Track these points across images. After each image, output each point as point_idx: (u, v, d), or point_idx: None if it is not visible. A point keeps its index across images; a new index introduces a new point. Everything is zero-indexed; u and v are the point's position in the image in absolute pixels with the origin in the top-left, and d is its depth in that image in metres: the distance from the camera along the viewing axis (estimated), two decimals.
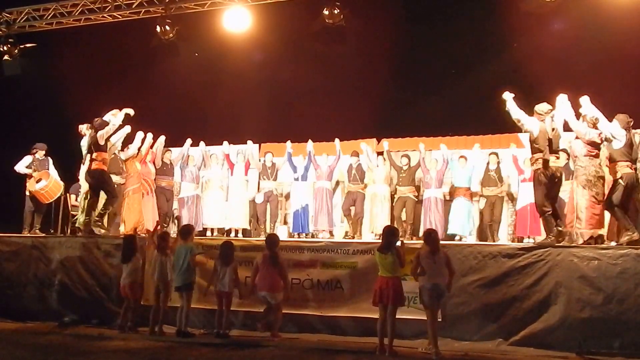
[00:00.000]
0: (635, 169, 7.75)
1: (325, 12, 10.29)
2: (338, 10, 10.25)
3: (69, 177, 11.04)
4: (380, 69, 12.83)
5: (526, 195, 9.77)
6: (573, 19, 10.40)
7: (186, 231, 8.34)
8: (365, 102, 13.02)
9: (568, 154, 8.58)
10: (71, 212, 11.50)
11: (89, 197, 9.58)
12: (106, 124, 9.39)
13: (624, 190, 7.57)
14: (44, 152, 10.40)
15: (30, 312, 9.18)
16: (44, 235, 10.10)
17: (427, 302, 6.91)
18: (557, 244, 7.55)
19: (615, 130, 7.70)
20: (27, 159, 10.23)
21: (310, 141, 11.23)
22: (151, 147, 10.62)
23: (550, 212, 7.74)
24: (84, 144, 9.78)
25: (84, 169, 9.84)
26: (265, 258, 7.72)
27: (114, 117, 9.61)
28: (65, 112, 13.35)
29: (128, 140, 10.31)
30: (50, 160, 10.46)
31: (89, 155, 9.42)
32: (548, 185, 7.68)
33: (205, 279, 8.21)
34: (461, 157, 10.78)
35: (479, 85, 12.04)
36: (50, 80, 13.20)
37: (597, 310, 7.05)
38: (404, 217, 10.85)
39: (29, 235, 10.06)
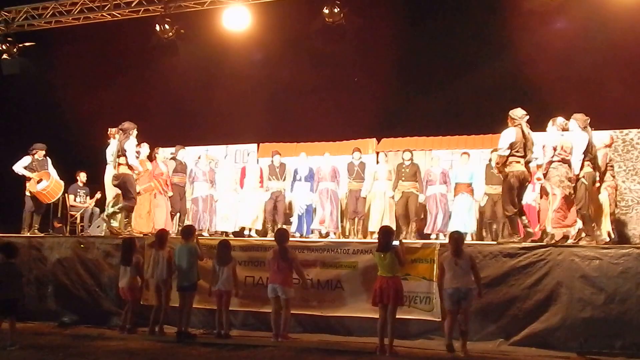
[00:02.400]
0: (594, 167, 7.93)
1: (325, 10, 10.27)
2: (338, 9, 10.23)
3: (68, 178, 11.00)
4: (381, 67, 12.81)
5: (530, 194, 9.73)
6: (575, 18, 10.38)
7: (187, 231, 8.30)
8: (365, 101, 13.00)
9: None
10: (70, 212, 11.47)
11: (119, 199, 9.56)
12: (133, 127, 9.37)
13: (588, 191, 7.72)
14: (43, 152, 10.34)
15: (30, 312, 9.12)
16: (42, 235, 10.07)
17: (447, 307, 6.87)
18: (557, 245, 7.55)
19: (578, 141, 7.82)
20: (26, 159, 10.16)
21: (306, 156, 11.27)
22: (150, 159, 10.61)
23: (516, 213, 7.86)
24: (111, 150, 9.69)
25: (109, 173, 9.79)
26: (275, 253, 7.66)
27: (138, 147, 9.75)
28: (64, 111, 13.34)
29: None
30: (49, 161, 10.41)
31: (115, 158, 9.38)
32: (518, 188, 7.80)
33: (206, 280, 8.19)
34: (464, 153, 10.74)
35: (480, 84, 12.03)
36: (49, 80, 13.17)
37: (599, 310, 7.03)
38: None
39: (28, 235, 10.02)
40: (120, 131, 9.38)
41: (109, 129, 10.08)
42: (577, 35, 10.95)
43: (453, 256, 6.82)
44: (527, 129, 7.80)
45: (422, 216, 10.78)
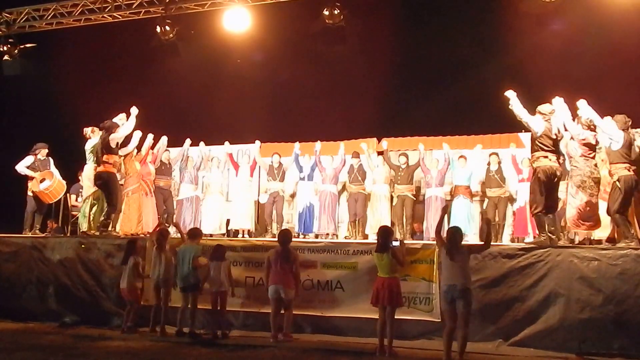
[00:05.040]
0: (635, 170, 7.68)
1: (326, 12, 10.29)
2: (338, 11, 10.25)
3: (69, 177, 11.02)
4: (381, 69, 12.84)
5: (525, 195, 9.76)
6: (573, 19, 10.39)
7: (194, 233, 8.37)
8: (365, 102, 13.03)
9: (563, 155, 8.53)
10: (71, 212, 11.48)
11: (99, 199, 9.57)
12: (116, 125, 9.39)
13: (623, 194, 7.51)
14: (46, 151, 10.36)
15: (31, 313, 9.18)
16: (43, 235, 10.09)
17: (442, 308, 6.65)
18: (555, 245, 7.55)
19: (613, 132, 7.66)
20: (29, 159, 10.17)
21: (318, 142, 11.17)
22: (152, 147, 10.58)
23: (543, 212, 7.69)
24: (89, 147, 9.74)
25: (87, 171, 9.83)
26: (277, 254, 7.66)
27: (126, 121, 9.65)
28: (65, 112, 13.36)
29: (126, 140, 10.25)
30: (52, 161, 10.43)
31: (98, 157, 9.38)
32: (546, 184, 7.63)
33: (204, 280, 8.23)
34: (461, 157, 10.77)
35: (479, 85, 12.05)
36: (50, 81, 13.20)
37: (597, 311, 7.04)
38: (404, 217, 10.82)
39: (29, 235, 10.04)
40: (103, 129, 9.37)
41: (84, 130, 10.03)
42: (575, 36, 10.96)
43: (450, 251, 6.51)
44: (556, 125, 7.66)
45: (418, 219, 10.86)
